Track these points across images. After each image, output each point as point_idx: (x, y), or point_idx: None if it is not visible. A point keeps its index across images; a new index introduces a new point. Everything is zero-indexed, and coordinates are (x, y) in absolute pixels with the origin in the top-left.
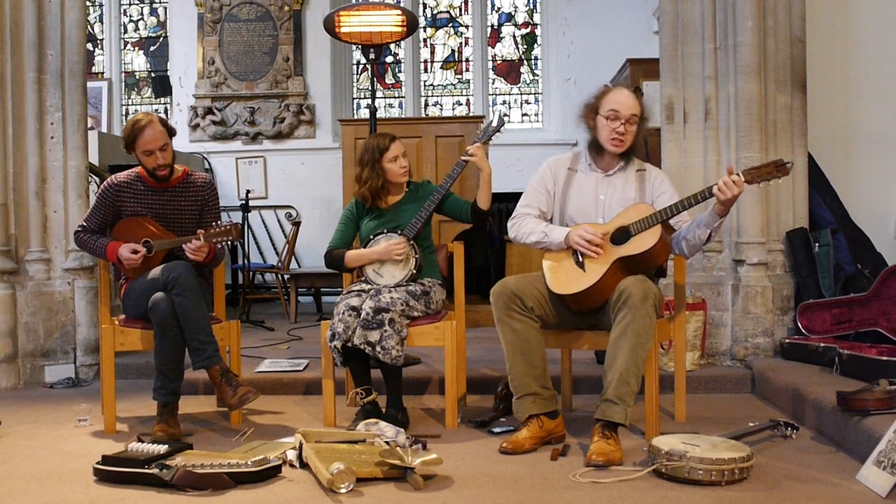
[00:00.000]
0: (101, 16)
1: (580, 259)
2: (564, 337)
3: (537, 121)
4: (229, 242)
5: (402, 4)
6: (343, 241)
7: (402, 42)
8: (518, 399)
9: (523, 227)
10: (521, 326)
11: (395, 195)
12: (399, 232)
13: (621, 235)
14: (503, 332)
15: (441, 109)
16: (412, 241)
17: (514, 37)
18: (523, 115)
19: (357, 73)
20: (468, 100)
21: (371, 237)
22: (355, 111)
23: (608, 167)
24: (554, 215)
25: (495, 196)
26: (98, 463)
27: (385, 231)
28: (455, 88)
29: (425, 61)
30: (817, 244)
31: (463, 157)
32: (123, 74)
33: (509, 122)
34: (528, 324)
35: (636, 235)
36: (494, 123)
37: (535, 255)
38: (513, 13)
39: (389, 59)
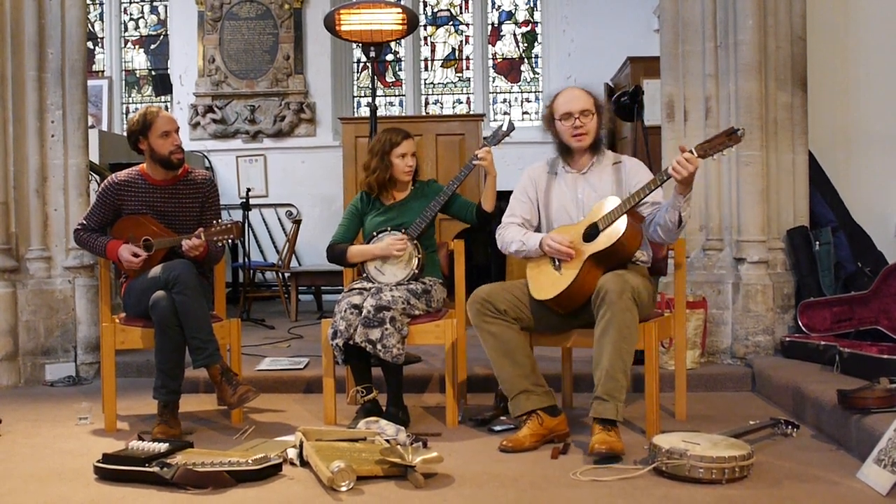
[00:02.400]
0: (101, 14)
1: (557, 263)
2: (557, 337)
3: (538, 119)
4: (230, 241)
5: (402, 2)
6: (346, 236)
7: (403, 40)
8: (512, 400)
9: (506, 237)
10: (497, 329)
11: (399, 192)
12: (403, 230)
13: (591, 232)
14: (483, 338)
15: (441, 108)
16: (415, 241)
17: (515, 35)
18: (524, 113)
19: (357, 72)
20: (468, 98)
21: (375, 234)
22: (356, 109)
23: (582, 166)
24: (540, 220)
25: (497, 195)
26: (98, 461)
27: (389, 228)
28: (455, 87)
29: (426, 59)
30: (818, 242)
31: (472, 161)
32: (124, 73)
33: (515, 124)
34: (505, 325)
35: (604, 230)
36: (504, 128)
37: None
38: (513, 11)
39: (390, 57)
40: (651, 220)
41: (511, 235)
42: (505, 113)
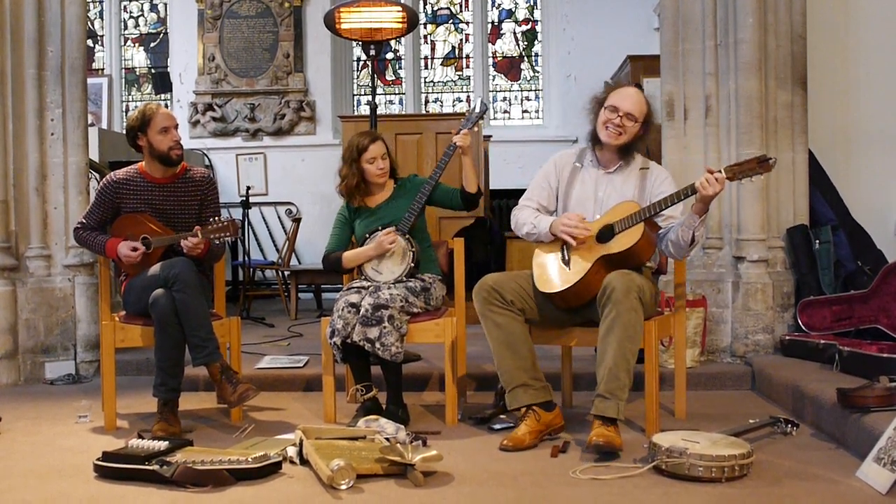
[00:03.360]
0: (101, 12)
1: (566, 257)
2: (556, 334)
3: (538, 117)
4: (228, 239)
5: (402, 1)
6: (339, 244)
7: (403, 38)
8: (510, 392)
9: (519, 218)
10: (503, 320)
11: (380, 194)
12: (395, 228)
13: (606, 233)
14: (487, 327)
15: (441, 106)
16: (408, 235)
17: (515, 33)
18: (524, 111)
19: (357, 70)
20: (468, 96)
21: (367, 236)
22: (356, 108)
23: (609, 164)
24: (557, 210)
25: (496, 193)
26: (98, 459)
27: (379, 228)
28: (455, 85)
29: (426, 58)
30: (818, 241)
31: (451, 147)
32: (124, 71)
33: (509, 118)
34: (510, 317)
35: (620, 233)
36: (478, 109)
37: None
38: (513, 10)
39: (390, 55)
40: (664, 234)
41: (524, 217)
42: (494, 101)
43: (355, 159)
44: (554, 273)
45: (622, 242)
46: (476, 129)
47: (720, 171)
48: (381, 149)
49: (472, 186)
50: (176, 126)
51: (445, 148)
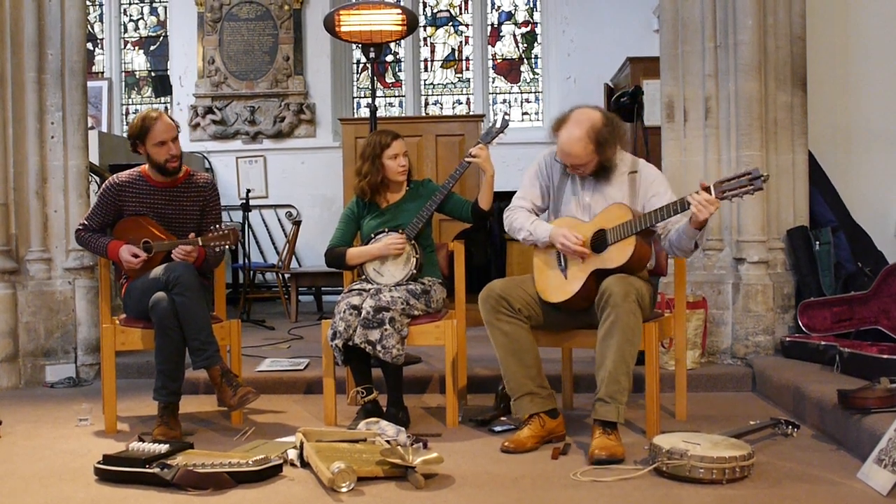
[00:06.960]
0: (101, 15)
1: (563, 264)
2: (557, 336)
3: (538, 119)
4: (228, 247)
5: (401, 3)
6: (344, 240)
7: (402, 41)
8: (516, 400)
9: (514, 221)
10: (510, 328)
11: (394, 193)
12: (400, 230)
13: (600, 241)
14: (493, 335)
15: (441, 108)
16: (413, 241)
17: (514, 35)
18: (523, 113)
19: (357, 72)
20: (468, 99)
21: (372, 236)
22: (355, 110)
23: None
24: (549, 209)
25: (496, 195)
26: (99, 462)
27: (386, 230)
28: (455, 87)
29: (425, 60)
30: (818, 242)
31: (466, 158)
32: (123, 74)
33: (510, 120)
34: (518, 325)
35: (613, 245)
36: (498, 125)
37: None
38: (513, 12)
39: (389, 58)
40: (666, 234)
41: (520, 222)
42: (505, 114)
43: (377, 155)
44: (552, 283)
45: (614, 258)
46: (494, 143)
47: (709, 188)
48: (403, 146)
49: (487, 205)
50: (174, 138)
51: (461, 160)
